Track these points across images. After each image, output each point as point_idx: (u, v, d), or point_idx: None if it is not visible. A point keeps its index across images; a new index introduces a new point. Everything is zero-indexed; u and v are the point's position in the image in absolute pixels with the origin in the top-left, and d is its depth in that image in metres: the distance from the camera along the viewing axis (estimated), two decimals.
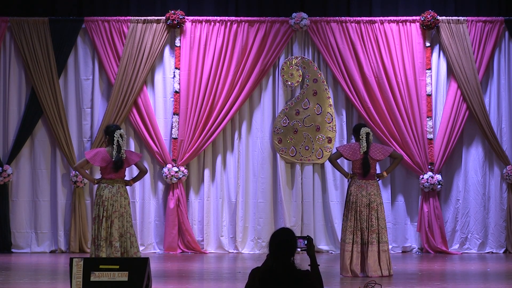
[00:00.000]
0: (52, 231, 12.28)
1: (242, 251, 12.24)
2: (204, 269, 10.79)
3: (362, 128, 9.12)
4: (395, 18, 12.35)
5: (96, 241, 9.07)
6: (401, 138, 12.19)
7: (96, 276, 6.51)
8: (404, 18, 12.35)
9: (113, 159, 9.08)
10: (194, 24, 12.34)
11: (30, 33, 12.20)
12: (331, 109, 12.33)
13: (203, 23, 12.34)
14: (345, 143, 12.28)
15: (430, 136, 12.22)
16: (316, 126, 12.32)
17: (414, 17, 12.32)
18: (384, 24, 12.32)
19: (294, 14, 12.25)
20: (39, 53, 12.19)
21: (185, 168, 12.19)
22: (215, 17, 12.36)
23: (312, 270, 4.90)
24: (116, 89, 12.14)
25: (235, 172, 12.36)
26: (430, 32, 12.33)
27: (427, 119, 12.23)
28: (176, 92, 12.29)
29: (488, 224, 12.26)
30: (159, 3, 12.52)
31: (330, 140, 12.33)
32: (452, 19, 12.30)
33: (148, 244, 12.24)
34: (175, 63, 12.32)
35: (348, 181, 9.30)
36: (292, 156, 12.32)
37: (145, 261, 6.63)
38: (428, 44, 12.31)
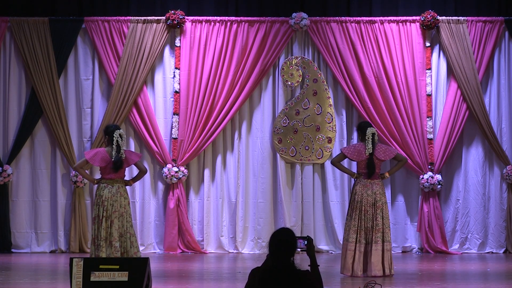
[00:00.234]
0: (52, 231, 12.28)
1: (242, 251, 12.24)
2: (204, 269, 10.79)
3: (369, 129, 9.11)
4: (395, 18, 12.35)
5: (96, 241, 9.08)
6: (401, 138, 12.19)
7: (96, 276, 6.51)
8: (404, 18, 12.35)
9: (113, 159, 9.09)
10: (194, 24, 12.34)
11: (30, 33, 12.20)
12: (331, 109, 12.33)
13: (203, 23, 12.34)
14: (345, 143, 12.29)
15: (430, 136, 12.22)
16: (316, 126, 12.32)
17: (414, 17, 12.32)
18: (384, 24, 12.32)
19: (294, 14, 12.25)
20: (39, 53, 12.18)
21: (185, 168, 12.20)
22: (215, 17, 12.36)
23: (312, 270, 4.90)
24: (116, 89, 12.14)
25: (235, 172, 12.36)
26: (430, 32, 12.33)
27: (427, 119, 12.23)
28: (176, 92, 12.29)
29: (488, 224, 12.27)
30: (159, 3, 12.52)
31: (330, 140, 12.33)
32: (452, 19, 12.30)
33: (148, 244, 12.24)
34: (175, 63, 12.32)
35: (354, 180, 9.29)
36: (292, 156, 12.32)
37: (145, 261, 6.63)
38: (428, 44, 12.31)
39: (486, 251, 12.20)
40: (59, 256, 11.85)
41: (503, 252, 12.18)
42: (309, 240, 5.03)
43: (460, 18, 12.32)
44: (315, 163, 12.35)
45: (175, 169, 12.10)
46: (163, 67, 12.41)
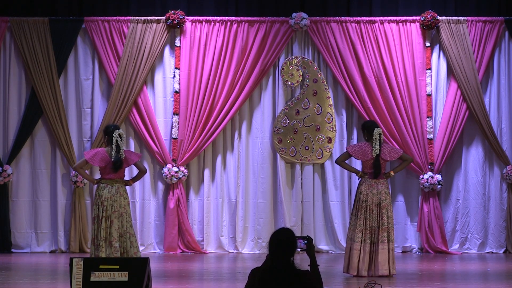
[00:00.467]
0: (52, 231, 12.28)
1: (242, 251, 12.25)
2: (204, 269, 10.79)
3: (376, 129, 9.11)
4: (395, 18, 12.35)
5: (95, 241, 9.08)
6: (401, 138, 12.19)
7: (96, 276, 6.51)
8: (404, 18, 12.35)
9: (112, 159, 9.09)
10: (194, 24, 12.34)
11: (30, 33, 12.20)
12: (331, 109, 12.33)
13: (203, 23, 12.34)
14: (345, 143, 12.29)
15: (430, 136, 12.22)
16: (316, 126, 12.32)
17: (414, 17, 12.32)
18: (384, 24, 12.32)
19: (294, 14, 12.25)
20: (39, 53, 12.18)
21: (185, 168, 12.20)
22: (215, 17, 12.36)
23: (312, 270, 4.90)
24: (116, 89, 12.14)
25: (235, 172, 12.36)
26: (430, 32, 12.33)
27: (427, 119, 12.23)
28: (176, 92, 12.29)
29: (488, 224, 12.27)
30: (159, 3, 12.53)
31: (330, 140, 12.33)
32: (452, 19, 12.30)
33: (148, 244, 12.24)
34: (175, 63, 12.32)
35: (358, 179, 9.29)
36: (292, 156, 12.32)
37: (145, 261, 6.63)
38: (428, 44, 12.31)
39: (486, 251, 12.21)
40: (59, 256, 11.85)
41: (503, 252, 12.18)
42: (309, 240, 5.03)
43: (460, 18, 12.32)
44: (315, 163, 12.35)
45: (175, 169, 12.10)
46: (163, 67, 12.41)
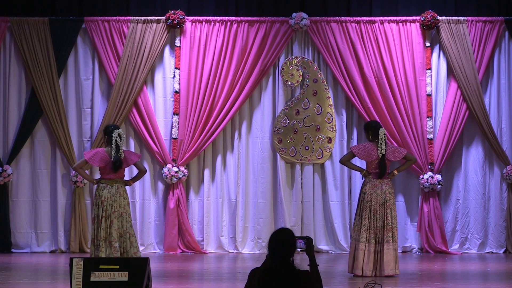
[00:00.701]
0: (52, 231, 12.28)
1: (242, 251, 12.24)
2: (204, 269, 10.79)
3: (381, 130, 9.14)
4: (395, 18, 12.35)
5: (95, 241, 9.08)
6: (401, 138, 12.19)
7: (96, 276, 6.52)
8: (404, 18, 12.35)
9: (112, 159, 9.08)
10: (194, 24, 12.34)
11: (30, 33, 12.20)
12: (331, 109, 12.33)
13: (203, 23, 12.34)
14: (345, 143, 12.30)
15: (430, 136, 12.22)
16: (316, 126, 12.32)
17: (414, 17, 12.32)
18: (384, 24, 12.32)
19: (294, 14, 12.25)
20: (39, 53, 12.18)
21: (185, 168, 12.20)
22: (215, 17, 12.36)
23: (311, 270, 4.90)
24: (116, 89, 12.14)
25: (235, 172, 12.36)
26: (430, 32, 12.33)
27: (427, 119, 12.23)
28: (176, 92, 12.29)
29: (488, 224, 12.27)
30: (159, 3, 12.53)
31: (330, 140, 12.33)
32: (452, 19, 12.30)
33: (148, 244, 12.24)
34: (175, 63, 12.32)
35: (362, 178, 9.29)
36: (292, 156, 12.32)
37: (145, 261, 6.63)
38: (428, 44, 12.31)
39: (486, 251, 12.20)
40: (59, 256, 11.85)
41: (503, 252, 12.18)
42: (308, 240, 5.03)
43: (460, 18, 12.32)
44: (315, 163, 12.35)
45: (175, 169, 12.10)
46: (163, 67, 12.41)
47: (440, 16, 12.27)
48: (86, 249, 11.96)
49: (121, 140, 9.14)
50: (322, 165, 12.38)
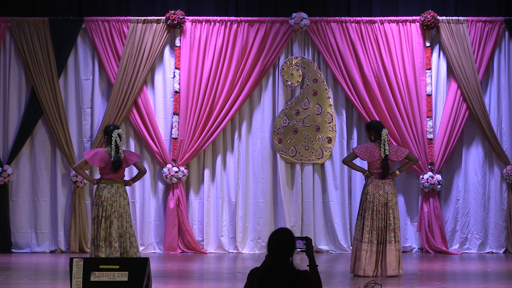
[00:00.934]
0: (52, 231, 12.28)
1: (242, 251, 12.24)
2: (204, 269, 10.79)
3: (383, 130, 9.14)
4: (395, 18, 12.35)
5: (95, 241, 9.08)
6: (401, 138, 12.19)
7: (96, 276, 6.52)
8: (404, 18, 12.35)
9: (112, 160, 9.08)
10: (194, 24, 12.34)
11: (30, 33, 12.20)
12: (331, 109, 12.33)
13: (203, 23, 12.34)
14: (345, 143, 12.31)
15: (430, 136, 12.22)
16: (316, 126, 12.32)
17: (414, 17, 12.32)
18: (384, 24, 12.32)
19: (294, 14, 12.25)
20: (39, 53, 12.18)
21: (185, 168, 12.20)
22: (215, 17, 12.36)
23: (310, 271, 4.90)
24: (116, 89, 12.14)
25: (235, 172, 12.36)
26: (430, 32, 12.33)
27: (427, 119, 12.23)
28: (176, 92, 12.29)
29: (488, 224, 12.27)
30: (159, 3, 12.52)
31: (330, 140, 12.33)
32: (452, 19, 12.30)
33: (148, 244, 12.24)
34: (175, 63, 12.32)
35: (364, 179, 9.29)
36: (292, 156, 12.32)
37: (145, 261, 6.63)
38: (428, 44, 12.31)
39: (486, 251, 12.20)
40: (59, 256, 11.85)
41: (503, 252, 12.18)
42: (308, 240, 5.04)
43: (460, 18, 12.32)
44: (315, 163, 12.35)
45: (175, 169, 12.10)
46: (163, 67, 12.41)
47: (440, 16, 12.26)
48: (86, 249, 11.96)
49: (120, 140, 9.14)
50: (322, 165, 12.38)
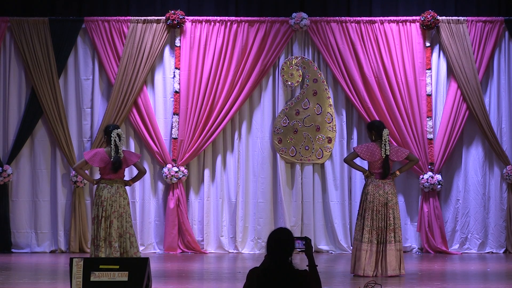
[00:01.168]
0: (52, 231, 12.28)
1: (242, 251, 12.24)
2: (204, 269, 10.79)
3: (384, 130, 9.14)
4: (395, 18, 12.35)
5: (95, 241, 9.08)
6: (401, 138, 12.19)
7: (96, 276, 6.52)
8: (404, 18, 12.35)
9: (111, 160, 9.08)
10: (194, 24, 12.34)
11: (30, 33, 12.20)
12: (331, 109, 12.33)
13: (203, 23, 12.34)
14: (345, 143, 12.31)
15: (430, 136, 12.22)
16: (316, 126, 12.32)
17: (414, 17, 12.32)
18: (384, 24, 12.32)
19: (294, 14, 12.25)
20: (39, 53, 12.18)
21: (185, 168, 12.20)
22: (215, 17, 12.36)
23: (310, 271, 4.90)
24: (116, 89, 12.14)
25: (235, 172, 12.36)
26: (430, 32, 12.33)
27: (427, 119, 12.23)
28: (176, 92, 12.29)
29: (488, 224, 12.27)
30: (159, 3, 12.53)
31: (330, 140, 12.33)
32: (452, 19, 12.30)
33: (148, 244, 12.24)
34: (175, 63, 12.32)
35: (364, 179, 9.29)
36: (292, 156, 12.32)
37: (145, 261, 6.63)
38: (428, 44, 12.31)
39: (486, 251, 12.20)
40: (59, 256, 11.85)
41: (503, 252, 12.18)
42: (307, 240, 5.04)
43: (460, 18, 12.31)
44: (315, 163, 12.35)
45: (175, 169, 12.10)
46: (163, 67, 12.41)
47: (440, 16, 12.26)
48: (86, 249, 11.96)
49: (120, 140, 9.14)
50: (322, 165, 12.38)
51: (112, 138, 9.11)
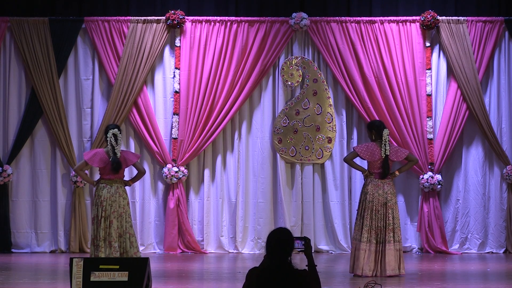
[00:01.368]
0: (52, 231, 12.28)
1: (242, 251, 12.25)
2: (204, 269, 10.79)
3: (385, 130, 9.14)
4: (395, 18, 12.35)
5: (95, 241, 9.08)
6: (401, 138, 12.19)
7: (96, 276, 6.52)
8: (404, 18, 12.35)
9: (110, 160, 9.08)
10: (194, 24, 12.34)
11: (30, 33, 12.20)
12: (331, 109, 12.33)
13: (203, 23, 12.34)
14: (345, 143, 12.31)
15: (430, 136, 12.22)
16: (316, 126, 12.32)
17: (414, 17, 12.32)
18: (384, 24, 12.32)
19: (294, 14, 12.25)
20: (39, 53, 12.18)
21: (185, 168, 12.20)
22: (215, 17, 12.36)
23: (309, 271, 4.90)
24: (116, 89, 12.14)
25: (235, 172, 12.36)
26: (430, 32, 12.33)
27: (427, 119, 12.23)
28: (176, 92, 12.29)
29: (488, 224, 12.27)
30: (159, 3, 12.53)
31: (330, 140, 12.33)
32: (452, 19, 12.30)
33: (148, 244, 12.24)
34: (175, 63, 12.32)
35: (364, 179, 9.28)
36: (292, 156, 12.32)
37: (145, 261, 6.63)
38: (428, 44, 12.31)
39: (486, 251, 12.20)
40: (59, 256, 11.85)
41: (503, 252, 12.18)
42: (306, 240, 5.04)
43: (460, 18, 12.32)
44: (315, 163, 12.35)
45: (175, 169, 12.10)
46: (163, 67, 12.41)
47: (440, 16, 12.26)
48: (86, 249, 11.96)
49: (116, 140, 9.12)
50: (322, 165, 12.38)
51: (108, 138, 9.12)
